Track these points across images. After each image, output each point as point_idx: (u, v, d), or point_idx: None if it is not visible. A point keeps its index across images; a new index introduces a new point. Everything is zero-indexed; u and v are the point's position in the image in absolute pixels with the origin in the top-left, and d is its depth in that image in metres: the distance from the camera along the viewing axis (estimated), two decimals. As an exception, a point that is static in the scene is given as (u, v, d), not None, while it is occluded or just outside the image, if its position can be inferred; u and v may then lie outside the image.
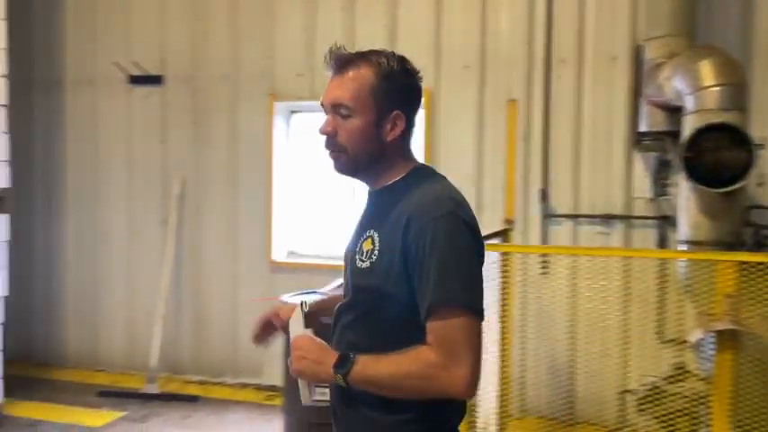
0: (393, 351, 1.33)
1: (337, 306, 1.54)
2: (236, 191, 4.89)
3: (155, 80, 5.02)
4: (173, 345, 4.99)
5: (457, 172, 4.30)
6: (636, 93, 3.98)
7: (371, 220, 1.48)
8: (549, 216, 4.16)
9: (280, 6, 4.73)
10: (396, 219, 1.39)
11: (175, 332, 4.99)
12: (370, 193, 1.54)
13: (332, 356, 1.37)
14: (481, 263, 1.39)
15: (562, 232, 4.15)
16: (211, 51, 4.91)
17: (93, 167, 5.21)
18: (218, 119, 4.93)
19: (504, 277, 3.35)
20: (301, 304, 1.55)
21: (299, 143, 4.92)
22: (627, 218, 4.03)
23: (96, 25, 5.15)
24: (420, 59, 4.63)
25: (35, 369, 5.17)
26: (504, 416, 3.51)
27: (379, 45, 4.64)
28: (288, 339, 1.53)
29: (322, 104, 1.47)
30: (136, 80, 5.05)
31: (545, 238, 4.17)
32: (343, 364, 1.34)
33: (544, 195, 4.15)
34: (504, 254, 3.37)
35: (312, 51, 4.64)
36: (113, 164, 5.17)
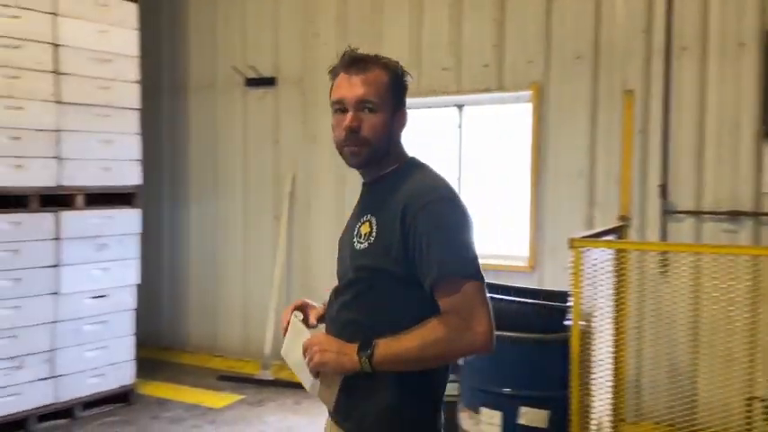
0: (392, 324, 1.47)
1: (332, 289, 1.67)
2: (344, 189, 5.02)
3: (268, 82, 5.26)
4: (278, 335, 5.20)
5: (568, 167, 4.20)
6: (766, 81, 3.70)
7: (368, 207, 1.60)
8: (668, 213, 3.95)
9: (388, 4, 4.80)
10: (395, 203, 1.52)
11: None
12: (366, 185, 1.68)
13: (351, 346, 1.47)
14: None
15: (683, 230, 3.93)
16: (320, 52, 5.07)
17: (213, 165, 5.54)
18: (326, 118, 5.07)
19: (619, 276, 3.23)
20: (295, 315, 1.67)
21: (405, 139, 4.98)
22: (756, 215, 3.76)
23: (216, 33, 5.46)
24: (529, 50, 4.57)
25: (162, 352, 5.58)
26: (617, 419, 3.39)
27: (487, 39, 4.62)
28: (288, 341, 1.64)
29: (340, 101, 1.56)
30: (251, 82, 5.32)
31: (664, 236, 3.97)
32: (365, 347, 1.45)
33: (663, 191, 3.95)
34: (620, 251, 3.25)
35: (418, 48, 4.68)
36: (230, 162, 5.47)
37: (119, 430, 3.98)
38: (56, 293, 3.94)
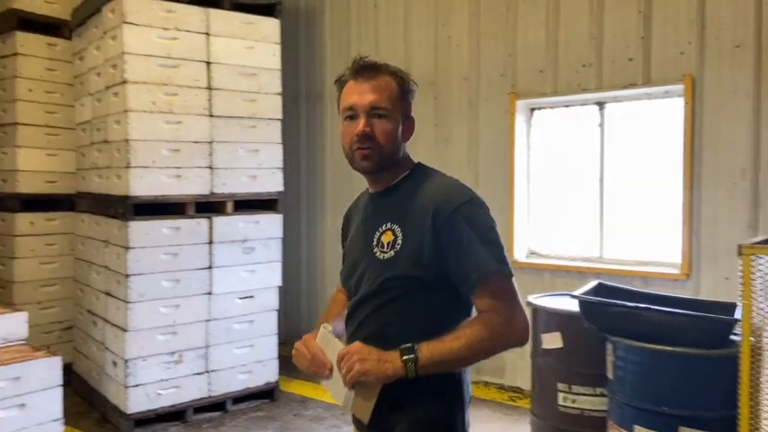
0: (420, 330, 1.47)
1: (350, 304, 1.63)
2: (476, 191, 4.94)
3: (401, 87, 5.31)
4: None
5: (727, 166, 3.85)
6: None
7: (385, 215, 1.59)
8: None
9: (522, 3, 4.68)
10: (420, 208, 1.52)
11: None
12: (374, 194, 1.66)
13: (392, 353, 1.45)
14: None
15: None
16: (452, 54, 5.05)
17: (347, 172, 5.65)
18: (458, 120, 5.05)
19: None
20: (324, 327, 1.62)
21: (541, 140, 4.83)
22: None
23: (350, 43, 5.62)
24: (680, 40, 4.23)
25: (300, 352, 5.81)
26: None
27: (632, 30, 4.34)
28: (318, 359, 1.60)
29: (352, 107, 1.57)
30: (385, 88, 5.39)
31: None
32: (408, 351, 1.43)
33: None
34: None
35: (554, 45, 4.51)
36: (364, 167, 5.59)
37: (264, 425, 4.18)
38: (209, 294, 4.22)
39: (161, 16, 4.03)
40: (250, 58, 4.39)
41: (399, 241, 1.53)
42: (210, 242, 4.23)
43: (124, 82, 3.92)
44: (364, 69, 1.60)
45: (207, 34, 4.21)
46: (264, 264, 4.49)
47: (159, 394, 4.02)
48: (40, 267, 4.82)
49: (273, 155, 4.53)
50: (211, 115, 4.22)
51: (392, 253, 1.53)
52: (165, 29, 4.05)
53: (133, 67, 3.93)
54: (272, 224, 4.54)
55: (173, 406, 4.10)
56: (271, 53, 4.50)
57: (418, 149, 5.19)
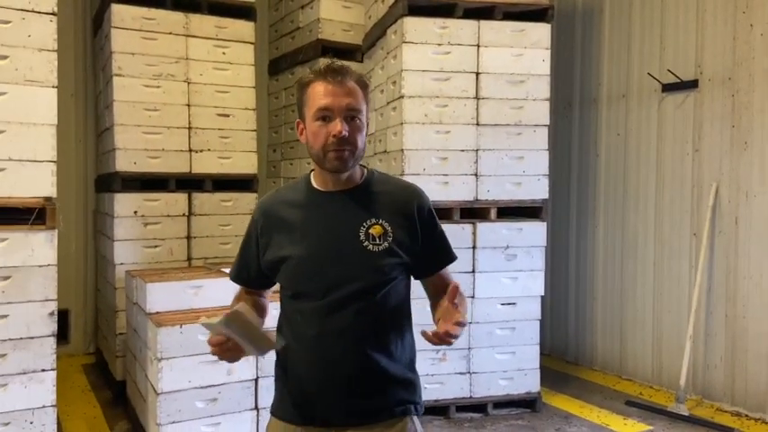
0: (405, 315, 1.75)
1: (327, 300, 1.62)
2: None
3: (689, 86, 4.78)
4: (703, 367, 4.63)
5: None
6: None
7: (363, 211, 1.67)
8: None
9: None
10: (401, 204, 1.71)
11: (706, 355, 4.62)
12: (333, 192, 1.70)
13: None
14: None
15: None
16: (755, 45, 4.36)
17: (623, 179, 5.32)
18: (761, 121, 4.34)
19: None
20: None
21: None
22: None
23: (631, 42, 5.24)
24: None
25: (568, 366, 5.61)
26: None
27: None
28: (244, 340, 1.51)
29: (328, 108, 1.61)
30: (668, 88, 4.92)
31: None
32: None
33: None
34: None
35: None
36: (641, 174, 5.16)
37: (524, 434, 4.15)
38: (472, 297, 4.34)
39: (436, 33, 4.30)
40: (518, 65, 4.41)
41: (390, 234, 1.65)
42: (474, 247, 4.35)
43: (401, 97, 4.27)
44: (335, 72, 1.64)
45: (477, 46, 4.36)
46: (527, 272, 4.45)
47: (425, 388, 4.27)
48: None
49: (539, 162, 4.47)
50: (478, 124, 4.35)
51: (386, 244, 1.65)
52: (439, 44, 4.30)
53: (410, 83, 4.26)
54: (535, 232, 4.48)
55: (436, 401, 4.32)
56: (540, 59, 4.45)
57: (705, 155, 4.63)
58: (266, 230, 1.73)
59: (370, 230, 1.65)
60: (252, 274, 1.80)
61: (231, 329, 1.46)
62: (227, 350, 1.51)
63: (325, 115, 1.61)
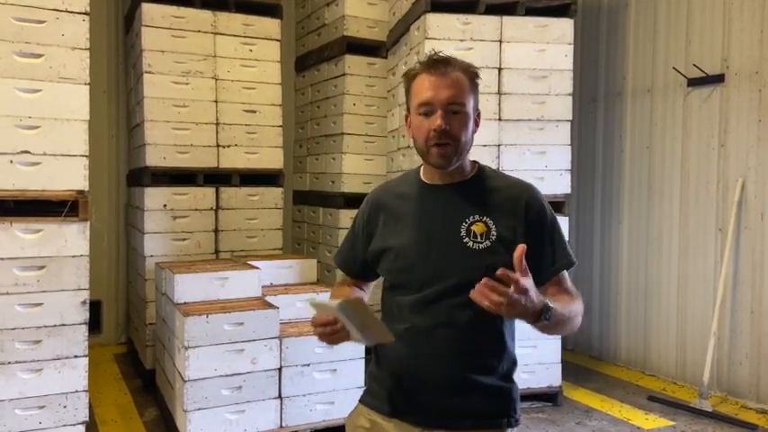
0: (503, 320, 1.62)
1: (422, 294, 1.59)
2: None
3: (715, 80, 4.73)
4: (728, 364, 4.59)
5: None
6: None
7: (467, 207, 1.61)
8: None
9: None
10: (509, 202, 1.62)
11: (731, 351, 4.58)
12: (439, 186, 1.66)
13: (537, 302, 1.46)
14: None
15: None
16: (784, 37, 4.30)
17: (647, 174, 5.28)
18: (790, 113, 4.28)
19: None
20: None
21: None
22: None
23: (656, 36, 5.19)
24: None
25: (591, 361, 5.60)
26: None
27: None
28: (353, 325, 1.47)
29: (429, 103, 1.57)
30: (694, 82, 4.87)
31: None
32: (548, 307, 1.42)
33: None
34: None
35: None
36: (667, 169, 5.12)
37: (545, 428, 4.16)
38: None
39: (459, 28, 4.33)
40: (541, 60, 4.41)
41: (494, 232, 1.59)
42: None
43: (423, 92, 4.32)
44: (438, 63, 1.59)
45: (500, 41, 4.38)
46: (549, 266, 4.46)
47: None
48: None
49: (561, 156, 4.47)
50: (500, 119, 4.37)
51: (488, 243, 1.58)
52: (462, 40, 4.33)
53: (432, 79, 4.30)
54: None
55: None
56: (563, 54, 4.45)
57: (731, 150, 4.58)
58: (373, 220, 1.74)
59: (472, 227, 1.59)
60: (356, 262, 1.81)
61: (346, 314, 1.44)
62: (332, 332, 1.49)
63: (426, 110, 1.58)
